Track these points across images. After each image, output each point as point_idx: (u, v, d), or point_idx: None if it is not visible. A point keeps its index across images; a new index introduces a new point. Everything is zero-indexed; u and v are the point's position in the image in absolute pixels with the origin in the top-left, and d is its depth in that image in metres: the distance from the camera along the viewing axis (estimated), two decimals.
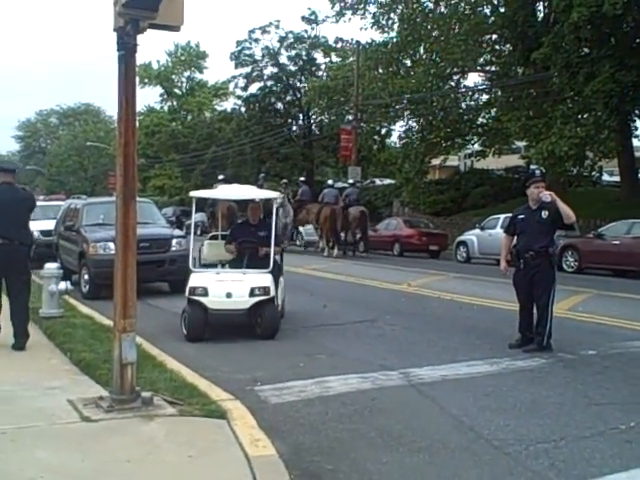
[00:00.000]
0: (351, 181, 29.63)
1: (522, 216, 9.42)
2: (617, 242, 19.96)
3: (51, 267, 10.52)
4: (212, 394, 6.49)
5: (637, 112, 28.44)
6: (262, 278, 9.80)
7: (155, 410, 5.80)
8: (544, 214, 9.12)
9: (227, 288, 9.66)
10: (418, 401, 6.83)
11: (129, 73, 5.92)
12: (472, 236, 25.37)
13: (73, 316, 10.50)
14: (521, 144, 44.68)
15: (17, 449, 4.98)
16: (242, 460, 4.93)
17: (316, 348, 9.21)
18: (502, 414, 6.31)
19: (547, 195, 9.12)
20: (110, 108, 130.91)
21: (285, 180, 31.72)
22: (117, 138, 5.96)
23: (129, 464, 4.73)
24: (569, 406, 6.55)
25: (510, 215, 10.27)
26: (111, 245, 13.66)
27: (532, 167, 28.06)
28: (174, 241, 14.50)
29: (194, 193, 11.11)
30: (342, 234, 26.08)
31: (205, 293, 9.59)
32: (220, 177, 31.28)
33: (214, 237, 11.83)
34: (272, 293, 9.74)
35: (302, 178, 31.89)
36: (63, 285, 10.26)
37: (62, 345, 8.45)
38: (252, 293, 9.64)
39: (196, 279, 9.83)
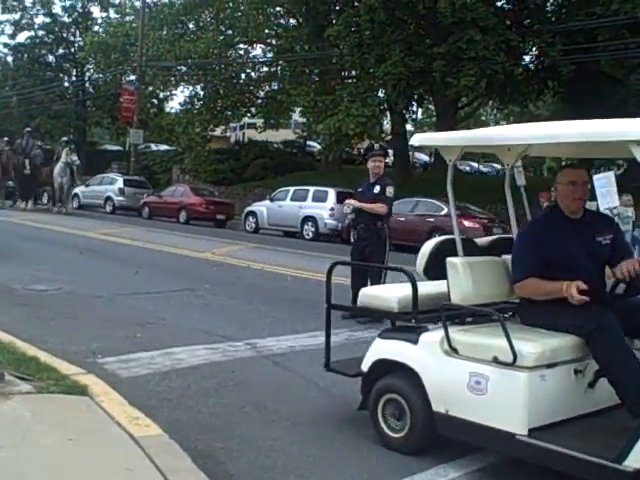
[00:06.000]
0: (39, 143, 29.84)
1: (360, 189, 9.54)
2: (402, 219, 20.92)
3: None
4: (61, 368, 5.83)
5: (416, 98, 30.13)
6: None
7: (8, 387, 5.06)
8: (376, 189, 9.30)
9: None
10: (279, 373, 6.64)
11: None
12: (262, 207, 25.45)
13: None
14: (299, 119, 45.72)
15: None
16: (128, 441, 4.45)
17: (144, 317, 8.64)
18: None
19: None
20: None
21: (65, 138, 29.77)
22: None
23: (4, 451, 4.08)
24: None
25: None
26: None
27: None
28: None
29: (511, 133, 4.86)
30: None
31: None
32: None
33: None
34: None
35: (39, 142, 30.31)
36: None
37: None
38: None
39: None
